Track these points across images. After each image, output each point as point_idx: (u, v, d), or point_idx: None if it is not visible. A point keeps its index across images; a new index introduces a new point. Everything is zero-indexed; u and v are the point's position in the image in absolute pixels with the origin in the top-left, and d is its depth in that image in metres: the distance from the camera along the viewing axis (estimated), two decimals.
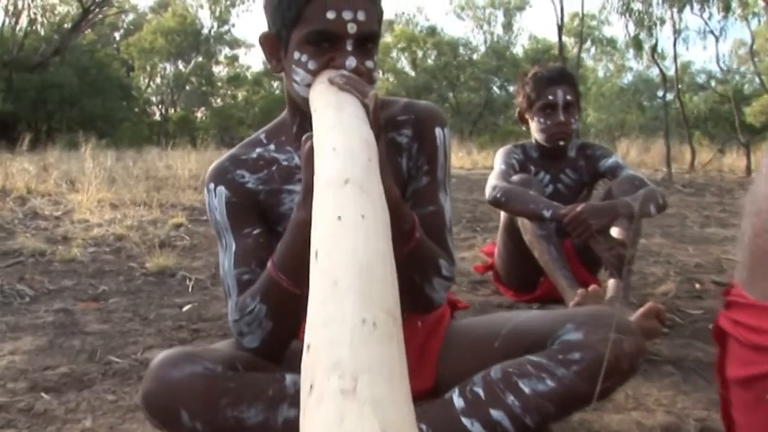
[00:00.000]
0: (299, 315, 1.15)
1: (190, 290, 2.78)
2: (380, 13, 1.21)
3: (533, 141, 2.49)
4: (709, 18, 12.91)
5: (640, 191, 2.14)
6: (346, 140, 0.86)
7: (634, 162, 12.34)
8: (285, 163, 1.30)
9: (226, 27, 30.16)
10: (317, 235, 0.70)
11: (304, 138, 1.04)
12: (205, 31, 29.90)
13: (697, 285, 2.82)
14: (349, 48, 1.15)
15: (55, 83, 21.30)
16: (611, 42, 29.55)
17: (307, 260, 0.66)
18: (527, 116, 2.45)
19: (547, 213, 2.11)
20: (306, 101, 1.14)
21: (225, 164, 1.31)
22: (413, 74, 29.33)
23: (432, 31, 29.79)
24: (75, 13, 23.43)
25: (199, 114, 30.25)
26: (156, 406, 1.06)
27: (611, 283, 2.04)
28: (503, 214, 2.44)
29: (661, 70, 12.08)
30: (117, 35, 31.70)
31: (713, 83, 24.69)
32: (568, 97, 2.35)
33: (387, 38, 29.88)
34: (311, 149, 0.96)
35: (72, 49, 23.04)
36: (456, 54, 28.85)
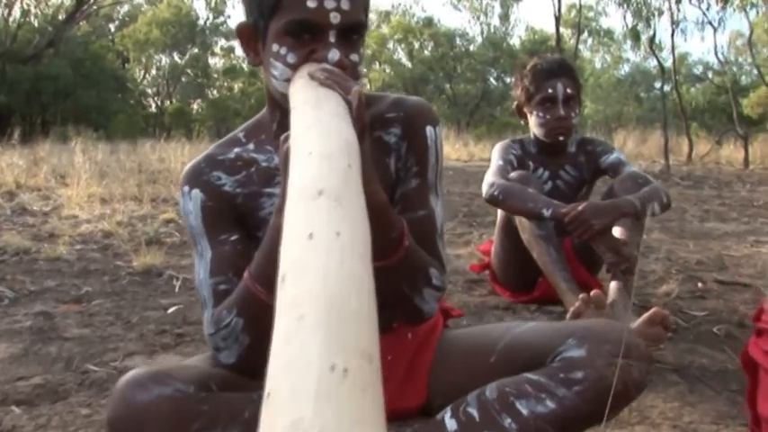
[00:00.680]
0: None
1: (176, 290, 2.69)
2: (366, 1, 1.12)
3: (532, 136, 2.40)
4: (708, 9, 12.83)
5: (644, 189, 2.05)
6: (324, 143, 0.76)
7: (631, 153, 12.25)
8: (265, 164, 1.20)
9: (221, 18, 29.95)
10: (286, 256, 0.60)
11: (282, 138, 0.94)
12: (201, 22, 29.69)
13: (699, 284, 2.73)
14: (332, 39, 1.05)
15: (49, 75, 21.08)
16: (609, 33, 29.46)
17: None
18: (525, 110, 2.35)
19: (546, 212, 2.02)
20: (285, 97, 1.04)
21: (200, 165, 1.21)
22: (409, 65, 29.17)
23: (428, 22, 29.59)
24: (70, 4, 23.15)
25: (195, 106, 30.06)
26: None
27: (613, 285, 1.95)
28: (500, 212, 2.34)
29: (659, 61, 12.01)
30: (112, 26, 31.40)
31: (710, 74, 24.59)
32: (569, 90, 2.25)
33: (383, 29, 29.74)
34: (289, 151, 0.87)
35: (66, 40, 22.79)
36: (453, 45, 28.67)
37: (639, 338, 1.09)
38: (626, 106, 26.97)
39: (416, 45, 29.66)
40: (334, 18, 1.04)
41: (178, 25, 28.29)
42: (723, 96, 19.17)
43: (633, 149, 13.19)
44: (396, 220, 1.06)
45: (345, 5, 1.04)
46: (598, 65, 31.48)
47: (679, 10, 12.34)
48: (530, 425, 1.01)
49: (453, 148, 13.27)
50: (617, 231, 2.02)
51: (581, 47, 23.66)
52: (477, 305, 2.40)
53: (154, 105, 30.13)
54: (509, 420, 1.02)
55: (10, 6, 22.04)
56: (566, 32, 21.82)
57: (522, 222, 2.16)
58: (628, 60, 30.24)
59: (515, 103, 2.41)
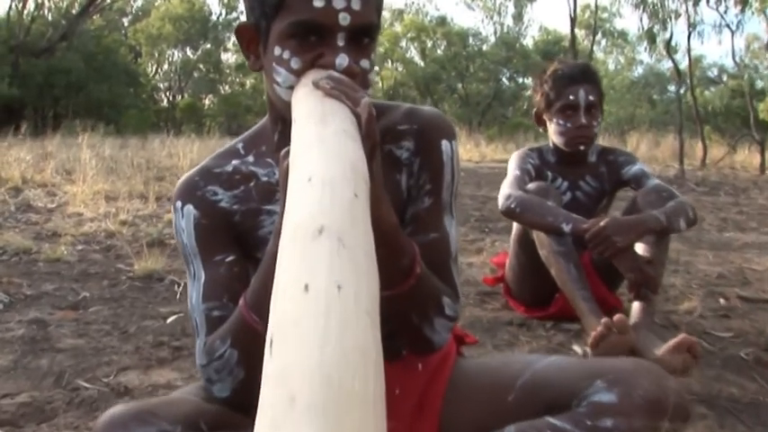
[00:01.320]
0: None
1: (177, 297, 2.59)
2: (380, 1, 1.00)
3: (551, 145, 2.28)
4: (726, 12, 12.63)
5: (669, 203, 1.94)
6: (326, 167, 0.65)
7: (645, 157, 12.07)
8: (265, 179, 1.09)
9: (234, 14, 29.88)
10: (275, 311, 0.50)
11: (282, 153, 0.84)
12: (213, 17, 29.66)
13: (722, 301, 2.61)
14: (340, 43, 0.93)
15: (62, 68, 21.08)
16: (623, 35, 29.23)
17: None
18: (545, 117, 2.24)
19: (566, 227, 1.91)
20: (288, 105, 0.92)
21: (194, 178, 1.11)
22: (422, 64, 28.99)
23: (441, 20, 29.41)
24: None
25: (206, 101, 30.04)
26: None
27: (636, 306, 1.84)
28: (515, 224, 2.23)
29: (675, 65, 11.82)
30: (125, 21, 31.45)
31: (724, 77, 24.31)
32: (591, 98, 2.14)
33: (396, 27, 29.59)
34: (289, 169, 0.76)
35: (79, 34, 22.81)
36: (465, 44, 28.46)
37: (678, 390, 0.98)
38: (639, 109, 26.72)
39: (429, 44, 29.48)
40: (344, 19, 0.92)
41: (191, 20, 28.27)
42: (737, 100, 18.91)
43: (646, 153, 13.03)
44: (407, 245, 0.95)
45: (356, 5, 0.93)
46: (611, 66, 31.27)
47: (696, 13, 12.16)
48: None
49: (465, 149, 13.13)
50: (640, 248, 1.91)
51: (594, 48, 23.43)
52: (489, 320, 2.29)
53: (165, 100, 30.14)
54: None
55: (24, 0, 22.05)
56: (579, 33, 21.63)
57: (540, 237, 2.04)
58: (641, 62, 30.01)
59: (534, 110, 2.30)
